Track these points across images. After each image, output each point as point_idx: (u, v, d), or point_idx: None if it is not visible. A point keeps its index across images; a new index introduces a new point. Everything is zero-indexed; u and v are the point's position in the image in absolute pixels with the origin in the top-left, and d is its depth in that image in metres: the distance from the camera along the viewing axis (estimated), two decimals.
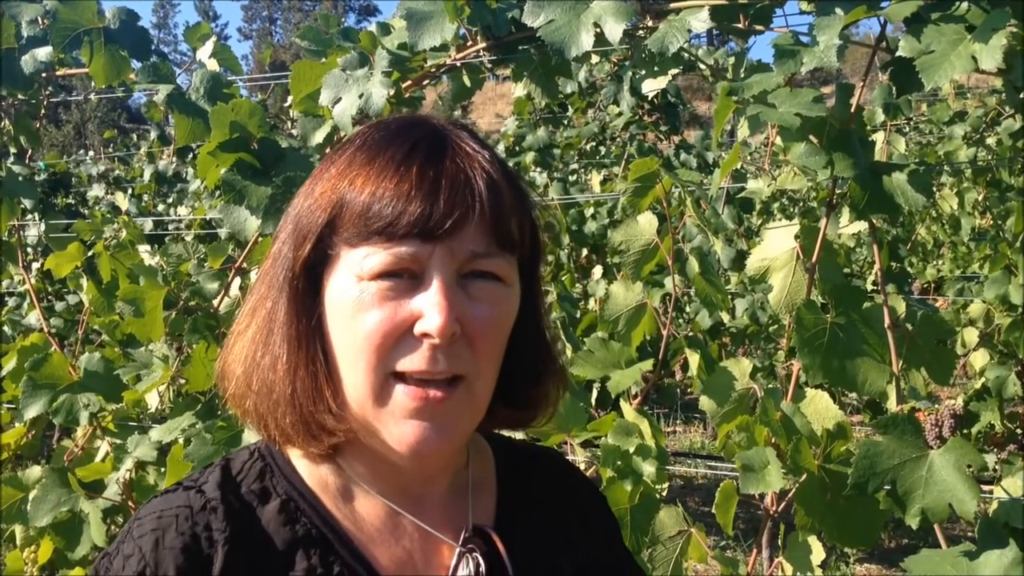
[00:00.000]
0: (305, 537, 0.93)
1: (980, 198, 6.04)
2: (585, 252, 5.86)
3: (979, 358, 4.59)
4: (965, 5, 1.43)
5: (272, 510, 0.94)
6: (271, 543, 0.92)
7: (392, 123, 0.96)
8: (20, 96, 2.45)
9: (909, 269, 6.53)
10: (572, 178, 7.02)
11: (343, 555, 0.93)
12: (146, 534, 0.90)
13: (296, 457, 0.99)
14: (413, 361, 0.88)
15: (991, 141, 5.70)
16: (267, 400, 0.94)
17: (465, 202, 0.88)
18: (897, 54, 1.46)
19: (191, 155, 7.67)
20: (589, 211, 5.75)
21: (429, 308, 0.87)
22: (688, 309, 5.11)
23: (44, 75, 2.34)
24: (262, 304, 0.96)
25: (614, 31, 1.61)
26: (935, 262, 7.08)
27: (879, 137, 4.70)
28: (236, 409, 0.98)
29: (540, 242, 1.00)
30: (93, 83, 2.25)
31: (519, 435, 2.59)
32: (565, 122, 7.07)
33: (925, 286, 6.82)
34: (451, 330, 0.86)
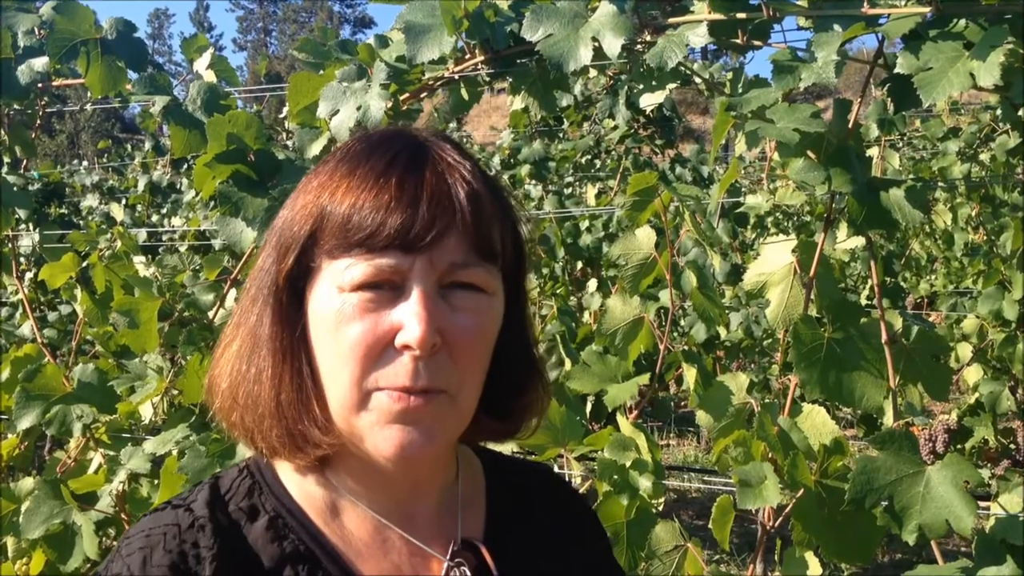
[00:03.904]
0: (293, 553, 0.93)
1: (973, 213, 6.06)
2: (580, 265, 5.87)
3: (973, 373, 4.60)
4: (963, 22, 1.43)
5: (260, 527, 0.94)
6: (259, 560, 0.92)
7: (374, 135, 0.97)
8: (16, 106, 2.45)
9: (903, 284, 6.55)
10: (567, 191, 7.04)
11: (331, 570, 0.93)
12: (134, 552, 0.90)
13: (285, 473, 0.99)
14: (396, 376, 0.87)
15: (985, 157, 5.72)
16: (253, 413, 0.94)
17: (446, 213, 0.88)
18: (895, 71, 1.46)
19: (185, 166, 7.67)
20: (584, 224, 5.76)
21: (409, 319, 0.86)
22: (683, 322, 5.11)
23: (40, 85, 2.33)
24: (247, 317, 0.96)
25: (613, 46, 1.61)
26: (928, 277, 7.10)
27: (873, 152, 4.72)
28: (224, 423, 0.98)
29: (525, 251, 1.00)
30: (89, 93, 2.24)
31: (514, 447, 2.58)
32: (561, 135, 7.09)
33: (918, 301, 6.83)
34: (431, 341, 0.86)
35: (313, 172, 0.96)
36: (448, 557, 0.98)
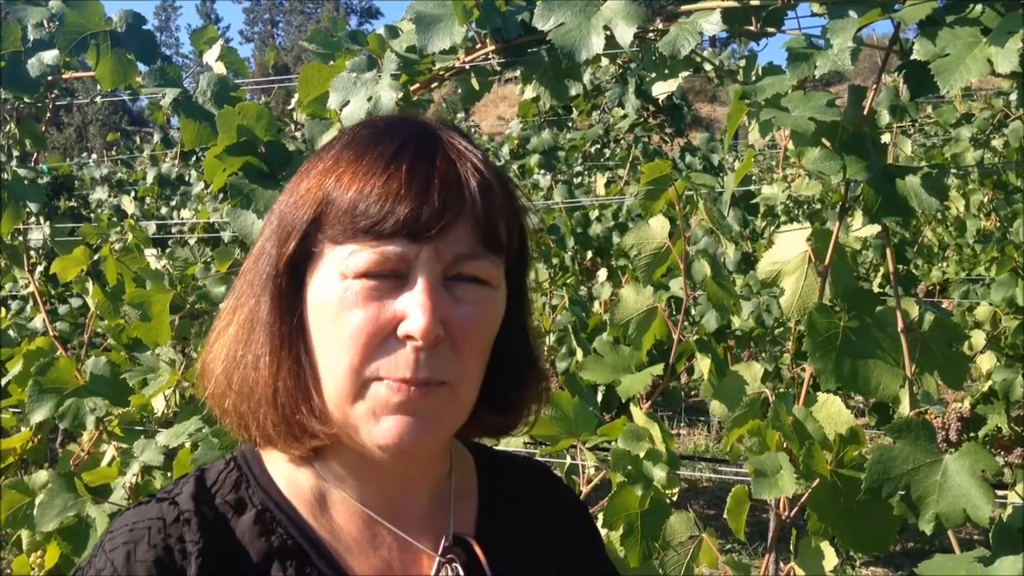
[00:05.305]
0: (281, 548, 0.91)
1: (986, 200, 6.03)
2: (590, 255, 5.86)
3: (986, 361, 4.58)
4: (979, 8, 1.42)
5: (247, 521, 0.92)
6: (246, 555, 0.90)
7: (380, 121, 0.95)
8: (26, 99, 2.44)
9: (914, 272, 6.52)
10: (577, 180, 7.02)
11: (319, 566, 0.92)
12: (118, 547, 0.88)
13: (273, 465, 0.97)
14: (396, 367, 0.86)
15: (997, 143, 5.69)
16: (248, 400, 0.92)
17: (456, 203, 0.87)
18: (912, 57, 1.44)
19: (194, 158, 7.68)
20: (594, 214, 5.75)
21: (413, 309, 0.85)
22: (693, 312, 5.10)
23: (50, 78, 2.33)
24: (244, 302, 0.94)
25: (625, 34, 1.60)
26: (940, 264, 7.07)
27: (885, 139, 4.70)
28: (215, 409, 0.96)
29: (528, 245, 0.99)
30: (98, 86, 2.24)
31: (526, 439, 2.57)
32: (570, 124, 7.07)
33: (930, 288, 6.80)
34: (435, 332, 0.85)
35: (316, 157, 0.94)
36: (439, 553, 0.97)
